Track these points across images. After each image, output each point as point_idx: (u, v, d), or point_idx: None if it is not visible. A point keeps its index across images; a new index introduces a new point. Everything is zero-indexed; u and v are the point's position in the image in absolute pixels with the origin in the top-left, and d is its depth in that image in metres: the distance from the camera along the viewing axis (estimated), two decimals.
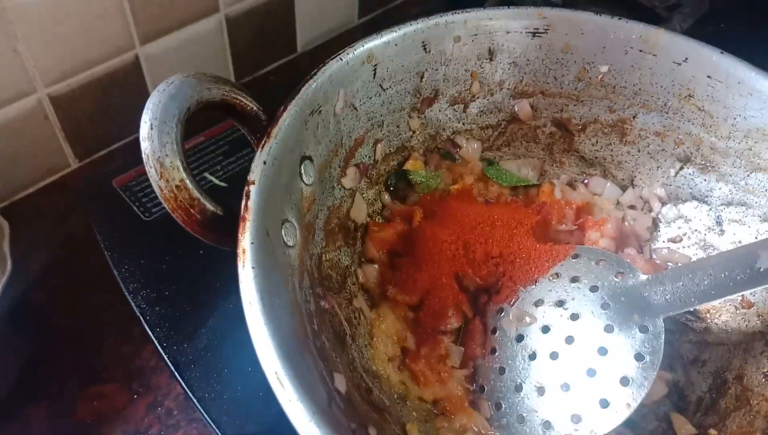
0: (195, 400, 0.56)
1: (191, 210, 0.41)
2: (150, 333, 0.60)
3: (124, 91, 0.79)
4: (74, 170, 0.79)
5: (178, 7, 0.77)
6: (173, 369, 0.58)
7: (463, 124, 0.64)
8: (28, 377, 0.61)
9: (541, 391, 0.50)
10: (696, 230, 0.61)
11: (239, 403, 0.55)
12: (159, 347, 0.59)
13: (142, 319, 0.61)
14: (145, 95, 0.79)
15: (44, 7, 0.65)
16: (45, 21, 0.66)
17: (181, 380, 0.57)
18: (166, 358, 0.58)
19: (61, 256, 0.71)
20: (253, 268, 0.39)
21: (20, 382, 0.60)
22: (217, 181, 0.72)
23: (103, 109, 0.78)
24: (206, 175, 0.73)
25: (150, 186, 0.70)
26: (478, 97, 0.63)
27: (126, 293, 0.63)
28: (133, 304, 0.62)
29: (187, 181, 0.40)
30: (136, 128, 0.80)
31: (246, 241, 0.40)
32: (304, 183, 0.50)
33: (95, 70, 0.74)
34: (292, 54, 0.98)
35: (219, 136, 0.77)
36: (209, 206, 0.42)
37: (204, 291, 0.62)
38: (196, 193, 0.41)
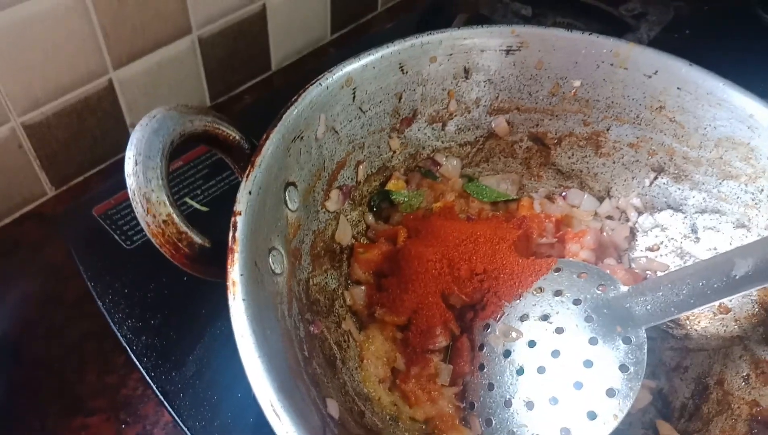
0: (186, 429, 0.55)
1: (179, 244, 0.41)
2: (137, 363, 0.60)
3: (98, 116, 0.78)
4: (50, 198, 0.79)
5: (150, 30, 0.77)
6: (162, 398, 0.57)
7: (442, 142, 0.65)
8: (8, 411, 0.60)
9: (530, 405, 0.51)
10: (672, 238, 0.62)
11: (230, 430, 0.55)
12: (147, 377, 0.59)
13: (128, 349, 0.60)
14: (121, 120, 0.80)
15: (13, 34, 0.64)
16: (15, 48, 0.65)
17: (170, 409, 0.57)
18: (154, 388, 0.58)
19: (39, 286, 0.70)
20: (243, 300, 0.39)
21: None
22: (198, 206, 0.72)
23: (78, 135, 0.77)
24: (187, 199, 0.72)
25: (131, 214, 0.71)
26: (455, 115, 0.64)
27: (111, 323, 0.62)
28: (119, 334, 0.61)
29: (174, 216, 0.41)
30: (112, 153, 0.82)
31: (235, 272, 0.40)
32: (289, 209, 0.50)
33: (69, 97, 0.74)
34: (266, 72, 0.98)
35: (198, 160, 0.77)
36: (197, 239, 0.42)
37: (190, 318, 0.62)
38: (183, 227, 0.41)
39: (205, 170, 0.76)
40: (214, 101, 0.92)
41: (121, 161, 0.82)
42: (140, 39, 0.77)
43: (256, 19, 0.90)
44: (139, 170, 0.40)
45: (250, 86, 0.96)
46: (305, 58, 1.01)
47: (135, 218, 0.70)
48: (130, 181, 0.40)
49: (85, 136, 0.78)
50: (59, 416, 0.60)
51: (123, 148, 0.82)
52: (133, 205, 0.40)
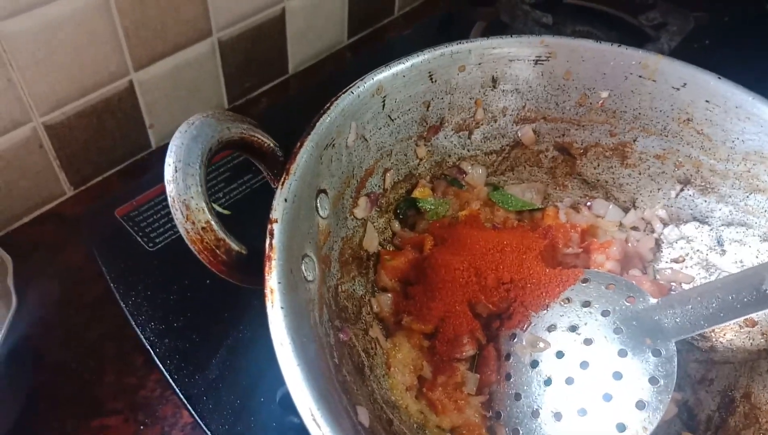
0: (209, 433, 0.55)
1: (217, 251, 0.41)
2: (160, 365, 0.60)
3: (118, 117, 0.78)
4: (69, 198, 0.79)
5: (170, 33, 0.77)
6: (185, 402, 0.57)
7: (468, 151, 0.65)
8: (28, 413, 0.60)
9: (558, 416, 0.51)
10: (698, 250, 0.62)
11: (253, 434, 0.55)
12: (170, 380, 0.59)
13: (151, 351, 0.60)
14: (140, 121, 0.80)
15: (38, 36, 0.64)
16: (39, 50, 0.65)
17: (193, 413, 0.57)
18: (177, 391, 0.58)
19: (58, 288, 0.70)
20: (282, 308, 0.39)
21: (19, 419, 0.59)
22: (220, 209, 0.72)
23: (98, 136, 0.77)
24: None
25: (153, 215, 0.71)
26: (482, 124, 0.64)
27: (134, 325, 0.62)
28: (141, 336, 0.61)
29: (213, 223, 0.41)
30: (131, 154, 0.82)
31: (273, 280, 0.40)
32: (320, 216, 0.50)
33: (90, 98, 0.74)
34: (283, 75, 0.98)
35: (219, 163, 0.77)
36: (234, 246, 0.42)
37: (213, 321, 0.62)
38: (221, 234, 0.41)
39: (226, 173, 0.76)
40: (232, 104, 0.92)
41: (140, 163, 0.83)
42: (161, 41, 0.77)
43: (276, 22, 0.90)
44: (179, 177, 0.40)
45: (267, 89, 0.96)
46: (322, 62, 1.02)
47: (157, 220, 0.71)
48: (170, 188, 0.40)
49: (105, 136, 0.78)
50: (78, 417, 0.60)
51: (141, 149, 0.82)
52: (173, 212, 0.40)
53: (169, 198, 0.40)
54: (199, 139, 0.41)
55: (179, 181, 0.40)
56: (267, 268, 0.40)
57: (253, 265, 0.42)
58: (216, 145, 0.42)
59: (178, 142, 0.41)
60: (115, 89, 0.76)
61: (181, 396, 0.57)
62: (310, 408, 0.36)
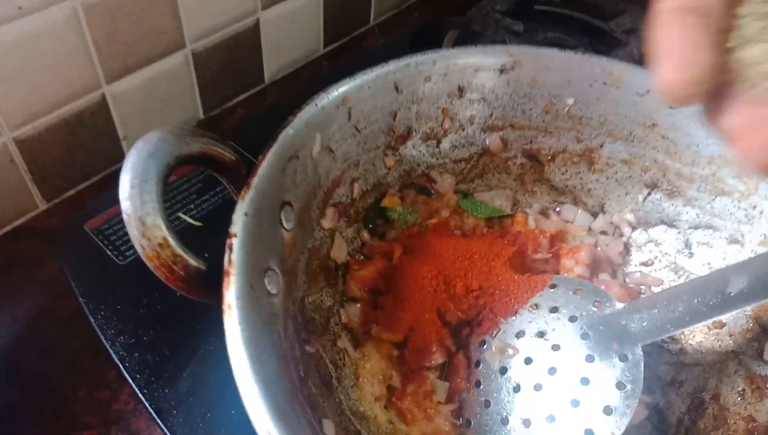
0: None
1: (174, 267, 0.41)
2: (130, 380, 0.59)
3: (91, 130, 0.78)
4: (42, 212, 0.78)
5: (143, 45, 0.77)
6: (155, 416, 0.57)
7: (437, 159, 0.65)
8: (1, 428, 0.59)
9: (527, 423, 0.51)
10: (666, 253, 0.63)
11: None
12: (140, 394, 0.58)
13: (121, 366, 0.60)
14: (113, 133, 0.80)
15: (7, 52, 0.64)
16: (8, 65, 0.65)
17: (163, 427, 0.56)
18: (147, 405, 0.57)
19: (32, 303, 0.70)
20: (239, 323, 0.39)
21: None
22: (191, 221, 0.72)
23: (71, 149, 0.77)
24: (180, 214, 0.72)
25: (123, 229, 0.69)
26: (450, 133, 0.64)
27: (104, 340, 0.62)
28: (111, 351, 0.61)
29: (170, 239, 0.40)
30: (104, 166, 0.81)
31: (231, 295, 0.40)
32: (285, 229, 0.50)
33: (62, 111, 0.73)
34: (259, 85, 0.98)
35: (191, 175, 0.76)
36: (192, 262, 0.42)
37: (183, 334, 0.62)
38: (178, 250, 0.41)
39: (198, 184, 0.76)
40: (207, 114, 0.92)
41: (114, 174, 0.82)
42: (134, 54, 0.77)
43: (250, 33, 0.90)
44: (134, 194, 0.39)
45: (243, 99, 0.96)
46: (298, 71, 1.02)
47: (128, 234, 0.70)
48: (126, 205, 0.39)
49: (78, 149, 0.78)
50: (52, 432, 0.59)
51: (115, 161, 0.82)
52: (128, 229, 0.40)
53: (124, 215, 0.40)
54: (157, 155, 0.41)
55: (135, 197, 0.39)
56: (225, 284, 0.40)
57: (212, 281, 0.42)
58: (174, 161, 0.42)
59: (134, 158, 0.41)
60: (87, 102, 0.75)
61: (151, 410, 0.57)
62: (267, 429, 0.36)
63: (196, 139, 0.45)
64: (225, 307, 0.40)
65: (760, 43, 0.29)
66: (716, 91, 0.30)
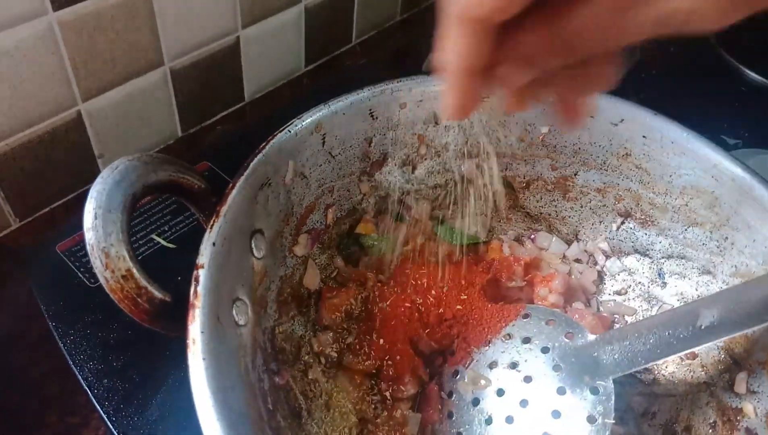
0: None
1: (138, 299, 0.40)
2: (98, 407, 0.58)
3: (66, 148, 0.77)
4: (14, 230, 0.77)
5: (121, 63, 0.76)
6: None
7: (413, 185, 0.65)
8: None
9: None
10: (640, 283, 0.63)
11: None
12: (108, 421, 0.57)
13: (89, 392, 0.59)
14: (89, 151, 0.79)
15: None
16: None
17: None
18: (116, 433, 0.56)
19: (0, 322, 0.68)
20: (204, 359, 0.38)
21: None
22: (164, 243, 0.71)
23: (45, 167, 0.76)
24: (154, 236, 0.71)
25: None
26: (425, 159, 0.64)
27: (72, 365, 0.60)
28: (80, 376, 0.60)
29: (134, 271, 0.40)
30: (80, 184, 0.80)
31: (196, 329, 0.39)
32: (255, 257, 0.49)
33: (36, 129, 0.72)
34: (239, 103, 0.97)
35: (166, 196, 0.76)
36: (157, 294, 0.41)
37: (153, 361, 0.61)
38: (143, 282, 0.40)
39: (173, 206, 0.75)
40: (186, 132, 0.91)
41: (88, 194, 0.81)
42: (111, 71, 0.76)
43: (230, 51, 0.89)
44: (98, 224, 0.39)
45: (222, 117, 0.95)
46: (279, 90, 1.01)
47: None
48: (89, 236, 0.39)
49: (52, 167, 0.76)
50: None
51: (91, 179, 0.81)
52: (92, 260, 0.39)
53: (87, 246, 0.39)
54: (122, 184, 0.41)
55: (98, 228, 0.39)
56: (190, 317, 0.40)
57: (178, 313, 0.41)
58: (141, 190, 0.42)
59: (99, 187, 0.40)
60: (62, 120, 0.74)
61: None
62: None
63: (165, 166, 0.44)
64: (189, 341, 0.39)
65: None
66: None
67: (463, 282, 0.59)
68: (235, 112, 0.97)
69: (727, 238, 0.56)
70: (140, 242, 0.71)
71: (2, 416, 0.61)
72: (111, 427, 0.57)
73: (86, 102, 0.76)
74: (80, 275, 0.67)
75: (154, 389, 0.59)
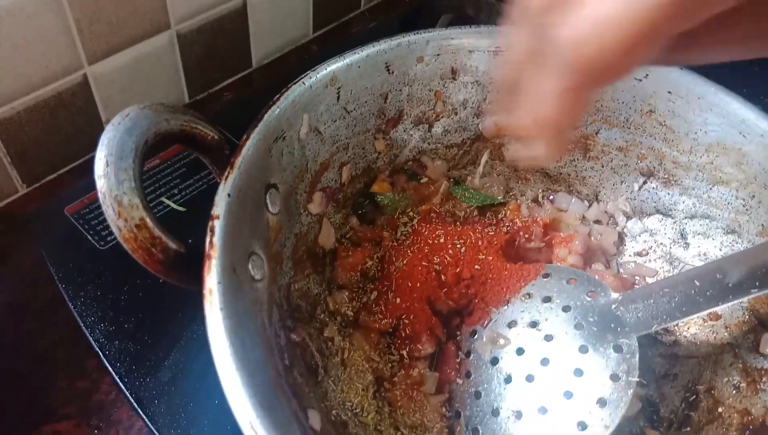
0: None
1: (153, 250, 0.39)
2: (110, 368, 0.57)
3: (72, 112, 0.75)
4: (21, 196, 0.76)
5: (127, 25, 0.75)
6: (136, 405, 0.55)
7: (428, 144, 0.63)
8: None
9: (518, 415, 0.50)
10: (661, 243, 0.61)
11: None
12: (120, 383, 0.56)
13: (101, 354, 0.58)
14: (95, 116, 0.78)
15: None
16: None
17: (144, 417, 0.55)
18: (128, 394, 0.56)
19: (7, 292, 0.67)
20: (221, 309, 0.37)
21: None
22: (175, 206, 0.69)
23: (51, 131, 0.74)
24: (163, 199, 0.70)
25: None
26: (442, 117, 0.62)
27: (83, 327, 0.60)
28: (90, 338, 0.59)
29: (147, 220, 0.38)
30: (86, 150, 0.79)
31: (212, 280, 0.38)
32: (270, 212, 0.48)
33: (41, 93, 0.71)
34: (246, 69, 0.96)
35: (175, 159, 0.74)
36: (171, 244, 0.40)
37: (165, 322, 0.60)
38: (157, 232, 0.39)
39: (182, 169, 0.74)
40: (193, 98, 0.90)
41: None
42: (117, 34, 0.74)
43: (237, 15, 0.87)
44: (110, 172, 0.37)
45: (229, 83, 0.94)
46: (286, 56, 0.99)
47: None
48: (101, 183, 0.37)
49: (59, 132, 0.75)
50: (29, 424, 0.57)
51: (97, 145, 0.79)
52: (104, 209, 0.38)
53: (99, 194, 0.37)
54: (134, 132, 0.39)
55: (110, 176, 0.37)
56: (206, 268, 0.38)
57: (193, 265, 0.40)
58: (153, 138, 0.40)
59: (110, 135, 0.39)
60: (68, 83, 0.73)
61: (132, 400, 0.55)
62: (249, 419, 0.34)
63: (177, 116, 0.43)
64: (206, 292, 0.38)
65: None
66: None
67: (480, 243, 0.57)
68: (242, 79, 0.95)
69: (754, 196, 0.54)
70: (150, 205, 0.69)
71: (13, 381, 0.60)
72: (123, 388, 0.56)
73: (92, 65, 0.74)
74: (89, 238, 0.66)
75: (166, 351, 0.58)
